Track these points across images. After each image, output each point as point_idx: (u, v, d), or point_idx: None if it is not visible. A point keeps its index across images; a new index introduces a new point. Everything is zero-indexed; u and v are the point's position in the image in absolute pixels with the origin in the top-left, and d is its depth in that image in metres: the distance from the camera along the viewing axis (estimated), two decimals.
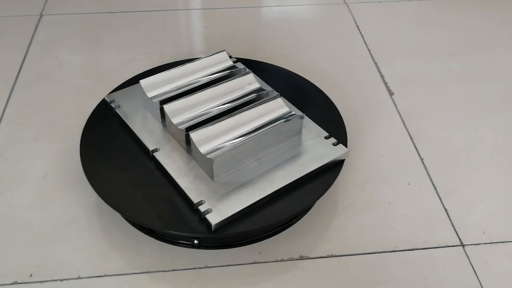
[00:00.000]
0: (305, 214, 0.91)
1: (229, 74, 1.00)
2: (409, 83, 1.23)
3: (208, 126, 0.85)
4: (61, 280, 0.80)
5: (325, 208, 0.92)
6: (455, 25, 1.44)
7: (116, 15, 1.44)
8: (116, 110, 0.97)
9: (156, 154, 0.88)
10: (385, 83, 1.22)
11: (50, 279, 0.80)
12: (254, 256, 0.84)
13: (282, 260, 0.84)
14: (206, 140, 0.84)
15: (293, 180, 0.83)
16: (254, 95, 0.95)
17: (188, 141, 0.86)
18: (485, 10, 1.51)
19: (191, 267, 0.83)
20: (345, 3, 1.53)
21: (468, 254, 0.86)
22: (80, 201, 0.92)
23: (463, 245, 0.87)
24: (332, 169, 0.88)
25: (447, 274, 0.83)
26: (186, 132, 0.86)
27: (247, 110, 0.88)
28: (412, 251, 0.86)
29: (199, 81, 0.98)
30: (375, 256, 0.85)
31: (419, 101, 1.17)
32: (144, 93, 0.94)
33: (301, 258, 0.85)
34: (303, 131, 0.92)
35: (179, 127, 0.87)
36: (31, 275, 0.81)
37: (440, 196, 0.95)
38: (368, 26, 1.42)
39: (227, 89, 0.94)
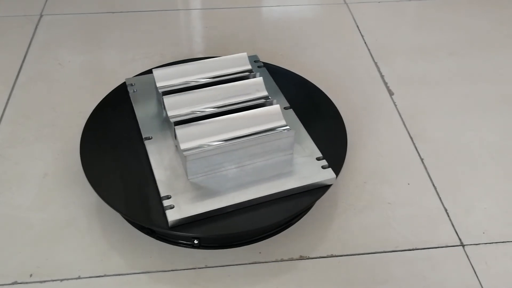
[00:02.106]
0: (305, 214, 0.90)
1: (242, 77, 0.97)
2: (409, 83, 1.23)
3: (197, 124, 0.84)
4: (61, 280, 0.80)
5: (325, 208, 0.92)
6: (455, 25, 1.44)
7: (116, 15, 1.44)
8: (130, 94, 0.98)
9: (147, 142, 0.88)
10: (385, 83, 1.22)
11: (50, 279, 0.80)
12: (254, 256, 0.84)
13: (282, 260, 0.84)
14: (191, 137, 0.83)
15: (266, 194, 0.81)
16: (260, 101, 0.92)
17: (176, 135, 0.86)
18: (485, 10, 1.51)
19: (191, 267, 0.83)
20: (345, 3, 1.53)
21: (468, 254, 0.86)
22: (80, 201, 0.92)
23: (463, 245, 0.87)
24: (315, 192, 0.83)
25: (447, 274, 0.83)
26: (174, 125, 0.86)
27: (242, 115, 0.87)
28: (412, 251, 0.86)
29: (212, 79, 0.97)
30: (375, 256, 0.85)
31: (419, 101, 1.17)
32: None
33: (301, 258, 0.84)
34: (298, 147, 0.89)
35: (171, 120, 0.87)
36: (31, 275, 0.81)
37: (440, 196, 0.95)
38: (368, 26, 1.42)
39: (234, 91, 0.93)
